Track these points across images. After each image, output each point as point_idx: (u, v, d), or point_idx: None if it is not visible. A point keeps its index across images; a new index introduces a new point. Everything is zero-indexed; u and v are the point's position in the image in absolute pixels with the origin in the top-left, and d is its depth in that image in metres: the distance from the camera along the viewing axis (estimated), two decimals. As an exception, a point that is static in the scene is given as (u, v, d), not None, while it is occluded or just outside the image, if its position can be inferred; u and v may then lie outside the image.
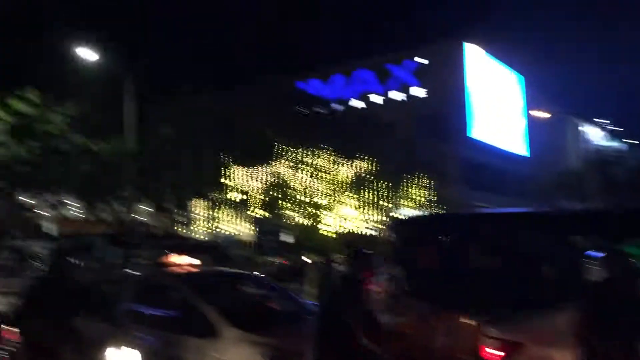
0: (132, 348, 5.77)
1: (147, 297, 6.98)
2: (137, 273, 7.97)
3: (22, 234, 30.20)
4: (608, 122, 55.74)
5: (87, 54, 23.59)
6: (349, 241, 19.50)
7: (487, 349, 5.07)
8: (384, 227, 22.66)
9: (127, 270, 9.94)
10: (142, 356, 5.80)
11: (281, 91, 32.10)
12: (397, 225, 6.74)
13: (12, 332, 7.22)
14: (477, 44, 41.14)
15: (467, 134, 39.21)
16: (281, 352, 5.79)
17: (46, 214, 31.18)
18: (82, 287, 6.31)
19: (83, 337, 5.72)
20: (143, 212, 29.83)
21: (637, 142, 44.24)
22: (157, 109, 25.89)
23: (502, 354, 4.96)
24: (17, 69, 25.49)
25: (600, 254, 4.54)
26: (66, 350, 5.52)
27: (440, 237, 6.32)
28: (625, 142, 46.44)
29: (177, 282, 6.90)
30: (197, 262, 7.71)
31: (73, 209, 31.56)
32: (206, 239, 24.34)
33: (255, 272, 9.24)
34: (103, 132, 25.85)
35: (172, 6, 66.65)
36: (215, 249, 12.31)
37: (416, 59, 39.63)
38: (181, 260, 7.50)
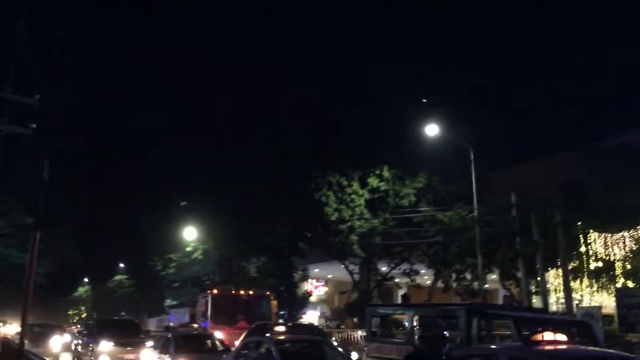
0: None
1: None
2: (506, 348, 7.66)
3: (381, 300, 32.80)
4: None
5: (431, 129, 25.03)
6: None
7: None
8: None
9: (492, 345, 9.71)
10: None
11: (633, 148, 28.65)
12: None
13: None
14: None
15: None
16: None
17: (399, 281, 33.37)
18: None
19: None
20: (492, 280, 29.50)
21: None
22: (503, 175, 25.75)
23: None
24: (371, 148, 28.52)
25: None
26: None
27: None
28: None
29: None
30: (566, 338, 7.05)
31: (424, 277, 33.07)
32: (561, 311, 22.63)
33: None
34: (450, 202, 26.82)
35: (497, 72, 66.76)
36: (582, 326, 11.18)
37: None
38: (552, 337, 6.94)
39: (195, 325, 20.58)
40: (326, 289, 45.09)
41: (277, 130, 34.55)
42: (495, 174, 27.64)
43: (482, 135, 26.22)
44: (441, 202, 27.51)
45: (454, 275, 27.68)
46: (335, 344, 16.96)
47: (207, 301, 24.13)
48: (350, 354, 15.57)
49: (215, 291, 24.90)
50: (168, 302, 46.50)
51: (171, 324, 27.77)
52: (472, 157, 24.02)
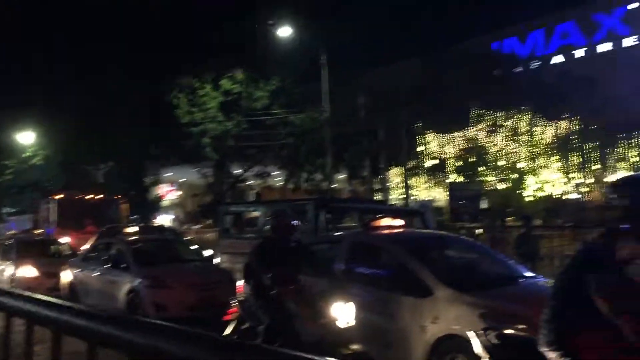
0: (348, 302, 6.07)
1: (359, 257, 7.29)
2: (349, 234, 8.33)
3: (234, 201, 33.29)
4: None
5: (283, 31, 24.88)
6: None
7: None
8: (598, 189, 21.05)
9: (337, 232, 10.47)
10: (357, 309, 6.07)
11: (476, 53, 30.90)
12: (632, 183, 6.04)
13: (241, 286, 8.09)
14: None
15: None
16: (497, 313, 5.67)
17: (252, 182, 34.03)
18: (300, 247, 6.74)
19: (306, 291, 6.13)
20: (340, 180, 31.09)
21: None
22: (352, 79, 26.57)
23: None
24: (224, 50, 27.81)
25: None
26: (292, 301, 5.96)
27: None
28: None
29: (387, 243, 7.10)
30: (402, 222, 7.82)
31: (276, 178, 33.97)
32: (399, 204, 24.68)
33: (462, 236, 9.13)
34: (302, 104, 27.32)
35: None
36: (416, 214, 12.38)
37: (630, 5, 35.42)
38: (389, 223, 7.66)
39: (38, 232, 19.65)
40: (180, 192, 44.73)
41: (127, 29, 31.79)
42: (347, 77, 28.44)
43: (336, 39, 26.48)
44: (294, 105, 27.95)
45: (305, 176, 28.76)
46: (188, 242, 17.18)
47: (51, 207, 23.04)
48: (202, 251, 15.90)
49: (59, 196, 23.77)
50: (6, 209, 43.44)
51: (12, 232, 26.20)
52: (323, 60, 24.44)
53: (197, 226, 31.84)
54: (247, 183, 33.56)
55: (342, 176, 30.92)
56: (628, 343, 4.03)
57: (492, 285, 6.49)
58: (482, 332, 5.47)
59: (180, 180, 42.80)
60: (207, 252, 16.50)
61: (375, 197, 26.67)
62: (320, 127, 25.34)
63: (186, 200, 43.16)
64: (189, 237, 22.30)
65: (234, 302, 7.02)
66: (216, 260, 13.81)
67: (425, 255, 6.79)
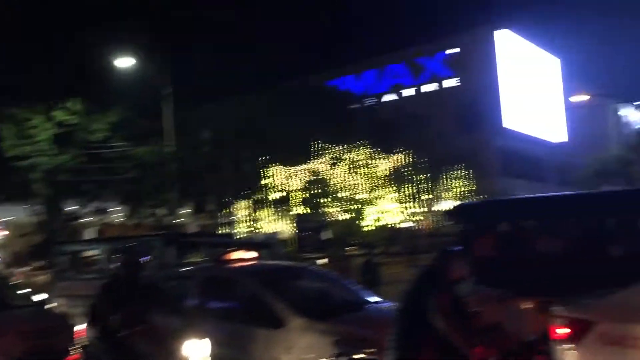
0: (203, 338, 5.99)
1: (212, 291, 7.21)
2: (200, 269, 8.19)
3: (69, 239, 31.03)
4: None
5: (124, 60, 23.99)
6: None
7: (557, 329, 5.09)
8: (429, 218, 22.78)
9: (188, 267, 10.21)
10: (212, 345, 6.00)
11: (313, 89, 32.23)
12: (461, 211, 6.70)
13: (83, 330, 7.56)
14: (511, 27, 40.48)
15: (501, 124, 38.77)
16: (348, 339, 5.92)
17: (90, 219, 32.00)
18: (150, 285, 6.52)
19: (157, 330, 5.93)
20: (185, 214, 30.36)
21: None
22: (195, 112, 26.30)
23: (570, 331, 4.97)
24: (59, 79, 26.07)
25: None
26: (142, 342, 5.74)
27: (508, 222, 6.34)
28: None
29: (240, 276, 7.10)
30: (255, 255, 7.88)
31: (116, 214, 32.28)
32: (245, 237, 24.70)
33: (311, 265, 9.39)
34: (144, 137, 26.37)
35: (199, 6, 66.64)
36: (265, 246, 12.51)
37: (448, 50, 39.39)
38: (241, 256, 7.68)
39: None
40: (6, 232, 40.76)
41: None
42: (191, 110, 28.07)
43: (181, 71, 25.97)
44: (137, 138, 26.90)
45: (147, 211, 27.71)
46: (16, 285, 15.69)
47: None
48: (32, 295, 14.60)
49: None
50: None
51: None
52: (166, 92, 23.99)
53: (27, 268, 29.12)
54: (84, 220, 31.47)
55: (187, 210, 30.23)
56: (461, 356, 4.49)
57: (342, 312, 6.74)
58: (335, 358, 5.70)
59: (6, 220, 39.08)
60: (39, 296, 15.21)
61: (221, 231, 26.43)
62: (164, 161, 24.67)
63: (14, 241, 39.39)
64: (17, 281, 20.35)
65: (73, 349, 6.59)
66: (51, 305, 12.76)
67: (277, 286, 6.88)
